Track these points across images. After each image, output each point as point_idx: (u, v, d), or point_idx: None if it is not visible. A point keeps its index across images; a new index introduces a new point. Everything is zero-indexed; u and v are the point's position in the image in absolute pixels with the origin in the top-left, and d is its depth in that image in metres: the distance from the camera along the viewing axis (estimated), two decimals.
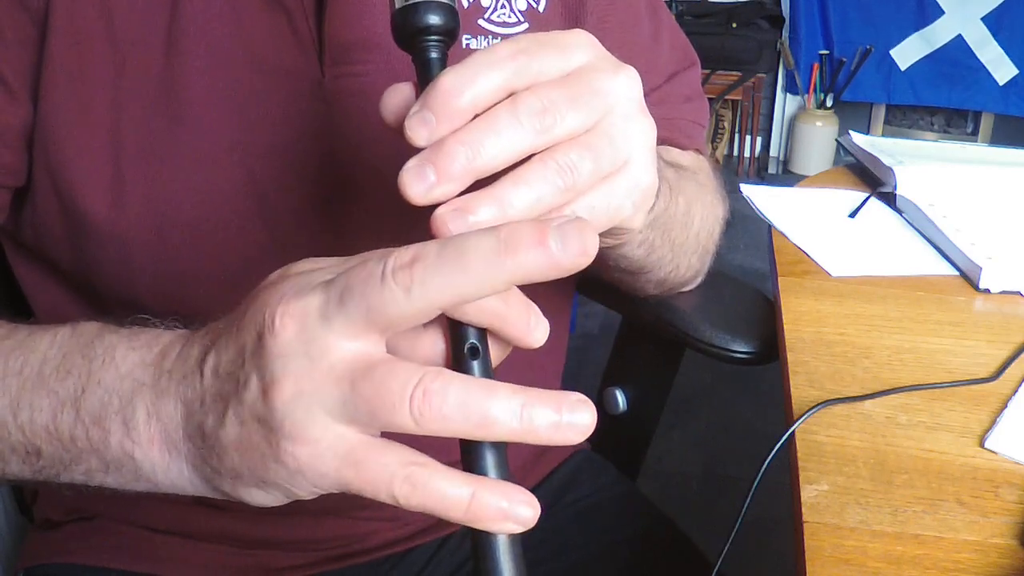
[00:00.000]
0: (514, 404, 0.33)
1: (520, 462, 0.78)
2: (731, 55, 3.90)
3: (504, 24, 0.63)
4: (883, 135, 3.92)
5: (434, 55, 0.39)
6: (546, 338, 0.36)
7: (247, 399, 0.36)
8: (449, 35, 0.40)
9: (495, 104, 0.36)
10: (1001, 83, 3.79)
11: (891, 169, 0.97)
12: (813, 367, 0.65)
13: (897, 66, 3.90)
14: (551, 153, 0.36)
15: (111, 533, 0.70)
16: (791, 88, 4.13)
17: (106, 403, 0.42)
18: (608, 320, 2.54)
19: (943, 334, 0.71)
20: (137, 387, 0.41)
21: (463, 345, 0.35)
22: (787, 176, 4.10)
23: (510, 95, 0.36)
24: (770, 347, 0.79)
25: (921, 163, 1.00)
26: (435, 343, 0.36)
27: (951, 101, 3.92)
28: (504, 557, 0.34)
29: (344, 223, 0.61)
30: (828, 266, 0.82)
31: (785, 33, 4.01)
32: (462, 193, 0.36)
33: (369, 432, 0.35)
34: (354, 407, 0.33)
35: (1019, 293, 0.78)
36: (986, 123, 4.01)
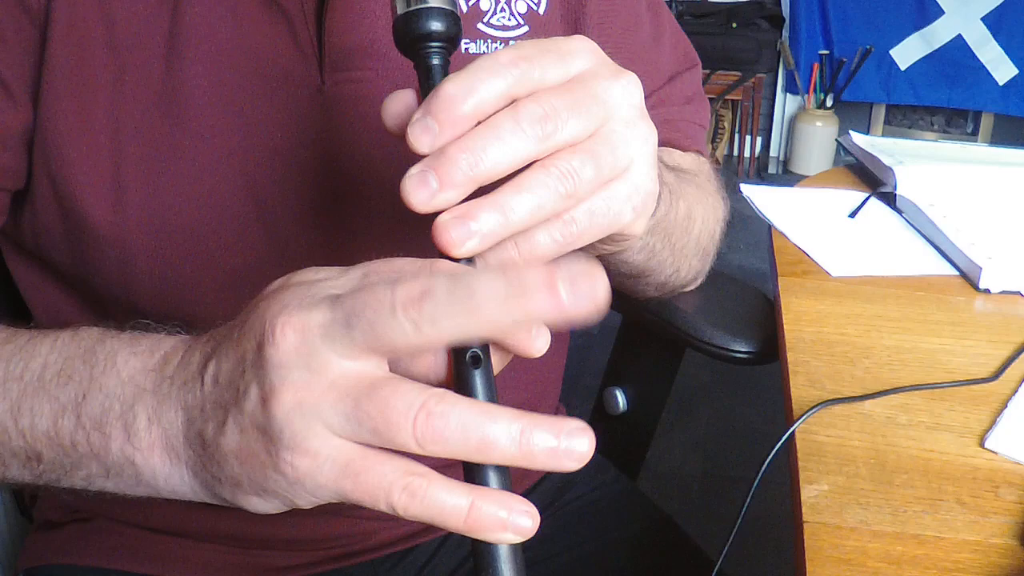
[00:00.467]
0: (514, 430, 0.33)
1: None
2: (731, 55, 3.90)
3: (504, 28, 0.63)
4: (883, 135, 3.92)
5: (436, 61, 0.39)
6: (548, 347, 0.37)
7: (247, 408, 0.36)
8: (451, 41, 0.40)
9: (497, 111, 0.36)
10: (1001, 83, 3.79)
11: (891, 169, 0.97)
12: (813, 367, 0.65)
13: (897, 66, 3.90)
14: (552, 160, 0.37)
15: (111, 533, 0.70)
16: (791, 88, 4.13)
17: (107, 408, 0.42)
18: (608, 320, 2.52)
19: (943, 334, 0.71)
20: (138, 392, 0.41)
21: (464, 355, 0.35)
22: (787, 176, 4.10)
23: (512, 102, 0.37)
24: (770, 347, 0.79)
25: (921, 163, 1.00)
26: (436, 353, 0.36)
27: (951, 101, 3.91)
28: (505, 565, 0.34)
29: (343, 229, 0.61)
30: (828, 266, 0.82)
31: (785, 33, 4.01)
32: (465, 200, 0.36)
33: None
34: (357, 424, 0.33)
35: (1019, 293, 0.78)
36: (986, 123, 4.01)
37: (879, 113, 4.16)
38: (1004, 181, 1.00)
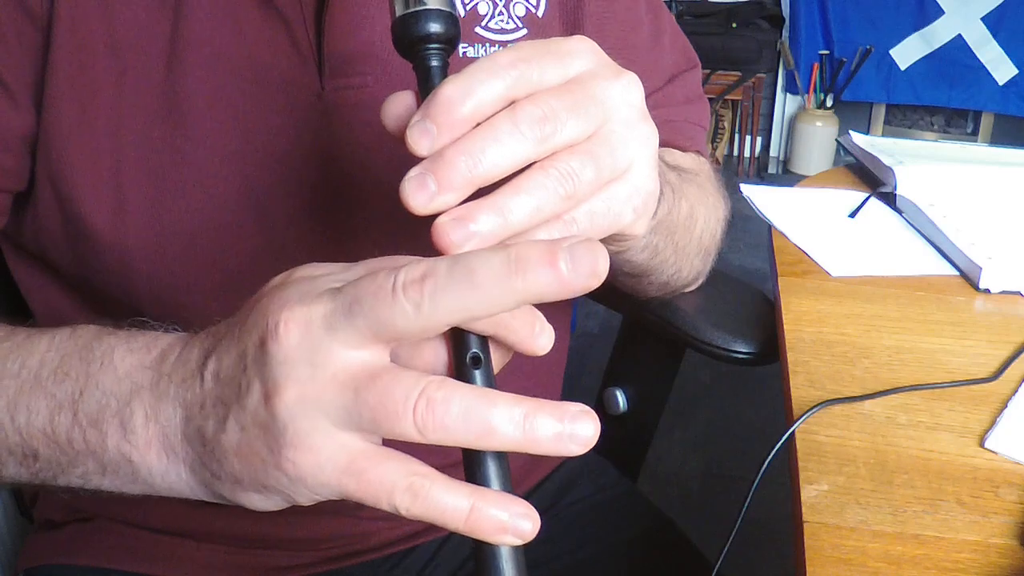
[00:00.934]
0: (516, 414, 0.33)
1: (521, 463, 0.78)
2: (731, 55, 3.90)
3: (502, 31, 0.63)
4: (883, 135, 3.92)
5: (435, 63, 0.39)
6: (551, 345, 0.36)
7: (249, 405, 0.36)
8: (450, 43, 0.40)
9: (496, 113, 0.36)
10: (1001, 83, 3.79)
11: (891, 169, 0.97)
12: (813, 367, 0.65)
13: (897, 66, 3.90)
14: (552, 161, 0.37)
15: (111, 533, 0.70)
16: (791, 88, 4.13)
17: (104, 405, 0.42)
18: (608, 320, 2.54)
19: (943, 334, 0.71)
20: (135, 389, 0.41)
21: (465, 354, 0.35)
22: (787, 176, 4.10)
23: (511, 103, 0.36)
24: (770, 347, 0.79)
25: (921, 163, 1.00)
26: (437, 351, 0.36)
27: (951, 101, 3.91)
28: (506, 566, 0.34)
29: (343, 232, 0.61)
30: (828, 266, 0.82)
31: (785, 33, 4.01)
32: (464, 201, 0.36)
33: (371, 440, 0.35)
34: (358, 415, 0.33)
35: (1019, 293, 0.78)
36: (986, 123, 4.01)
37: (879, 113, 4.16)
38: (1004, 181, 1.00)
